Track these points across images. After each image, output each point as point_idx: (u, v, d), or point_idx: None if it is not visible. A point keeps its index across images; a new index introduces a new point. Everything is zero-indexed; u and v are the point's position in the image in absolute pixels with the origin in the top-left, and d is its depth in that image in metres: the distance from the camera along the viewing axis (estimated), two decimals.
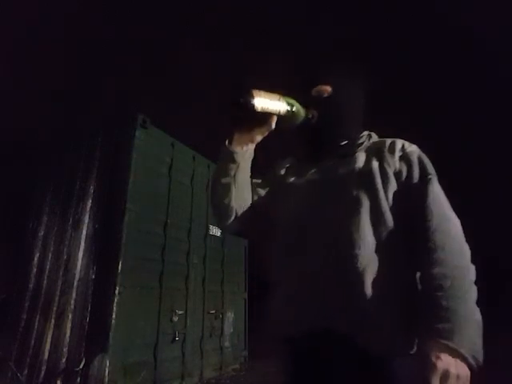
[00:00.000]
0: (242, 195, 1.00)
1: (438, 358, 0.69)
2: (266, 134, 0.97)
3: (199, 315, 3.75)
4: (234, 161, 0.95)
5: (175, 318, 3.37)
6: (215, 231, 4.31)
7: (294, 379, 0.89)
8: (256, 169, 1.08)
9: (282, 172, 1.09)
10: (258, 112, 0.87)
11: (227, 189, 0.97)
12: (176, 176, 3.73)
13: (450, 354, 0.69)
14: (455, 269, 0.76)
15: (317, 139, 1.01)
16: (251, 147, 0.98)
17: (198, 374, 3.61)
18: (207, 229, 4.15)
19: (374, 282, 0.79)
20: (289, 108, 0.92)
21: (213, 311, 3.98)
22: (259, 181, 1.10)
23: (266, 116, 0.91)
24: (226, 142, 0.96)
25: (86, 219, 3.33)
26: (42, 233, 3.74)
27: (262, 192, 1.07)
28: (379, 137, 1.03)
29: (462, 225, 0.84)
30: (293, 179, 1.02)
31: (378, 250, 0.82)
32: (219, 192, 0.99)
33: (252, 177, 1.05)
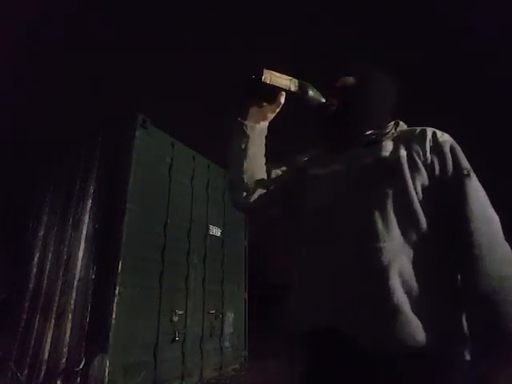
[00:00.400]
0: (254, 169, 1.00)
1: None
2: (277, 110, 0.99)
3: (199, 315, 3.75)
4: (244, 134, 0.98)
5: (175, 318, 3.37)
6: (215, 231, 4.31)
7: (307, 375, 0.86)
8: (277, 158, 1.10)
9: (305, 161, 1.08)
10: (268, 86, 0.92)
11: (238, 161, 0.99)
12: (176, 176, 3.73)
13: (508, 378, 0.66)
14: (504, 281, 0.70)
15: (340, 128, 0.98)
16: (263, 124, 1.01)
17: (198, 374, 3.61)
18: (207, 229, 4.15)
19: (400, 278, 0.74)
20: (299, 88, 0.95)
21: (213, 311, 3.98)
22: (279, 168, 1.09)
23: (274, 91, 0.95)
24: (239, 118, 1.00)
25: (86, 219, 3.33)
26: (41, 233, 3.74)
27: (282, 178, 1.06)
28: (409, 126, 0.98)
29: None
30: (316, 169, 0.99)
31: (405, 245, 0.77)
32: (231, 164, 1.02)
33: (272, 163, 1.07)
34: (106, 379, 2.61)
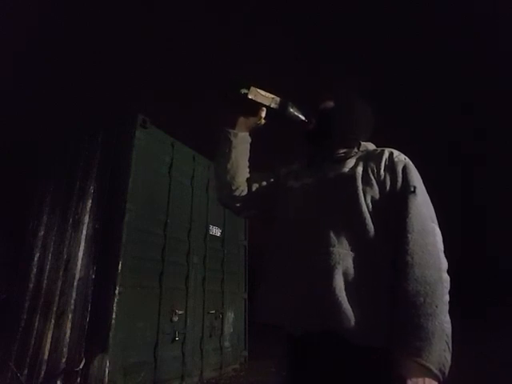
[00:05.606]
0: (236, 171, 1.12)
1: (409, 375, 0.75)
2: (258, 123, 1.11)
3: (199, 315, 3.75)
4: (228, 140, 1.11)
5: (175, 318, 3.37)
6: (215, 231, 4.31)
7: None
8: (266, 167, 1.24)
9: (286, 174, 1.19)
10: (252, 101, 1.06)
11: (222, 163, 1.12)
12: (176, 176, 3.73)
13: (419, 371, 0.74)
14: (428, 285, 0.80)
15: (315, 145, 1.13)
16: (245, 133, 1.13)
17: (198, 374, 3.61)
18: (207, 229, 4.15)
19: (344, 277, 0.85)
20: (279, 105, 1.07)
21: (213, 311, 3.98)
22: (264, 176, 1.20)
23: (257, 106, 1.08)
24: (225, 127, 1.13)
25: (86, 219, 3.33)
26: (42, 233, 3.73)
27: (262, 186, 1.17)
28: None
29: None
30: (292, 182, 1.11)
31: (353, 249, 0.88)
32: (216, 165, 1.16)
33: (259, 171, 1.20)
34: (106, 379, 2.61)
